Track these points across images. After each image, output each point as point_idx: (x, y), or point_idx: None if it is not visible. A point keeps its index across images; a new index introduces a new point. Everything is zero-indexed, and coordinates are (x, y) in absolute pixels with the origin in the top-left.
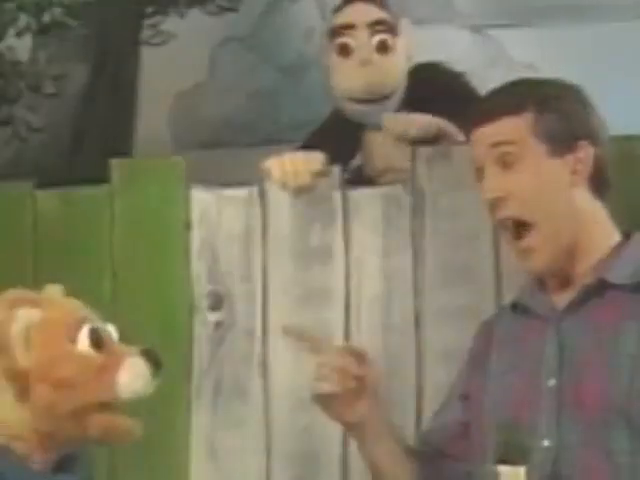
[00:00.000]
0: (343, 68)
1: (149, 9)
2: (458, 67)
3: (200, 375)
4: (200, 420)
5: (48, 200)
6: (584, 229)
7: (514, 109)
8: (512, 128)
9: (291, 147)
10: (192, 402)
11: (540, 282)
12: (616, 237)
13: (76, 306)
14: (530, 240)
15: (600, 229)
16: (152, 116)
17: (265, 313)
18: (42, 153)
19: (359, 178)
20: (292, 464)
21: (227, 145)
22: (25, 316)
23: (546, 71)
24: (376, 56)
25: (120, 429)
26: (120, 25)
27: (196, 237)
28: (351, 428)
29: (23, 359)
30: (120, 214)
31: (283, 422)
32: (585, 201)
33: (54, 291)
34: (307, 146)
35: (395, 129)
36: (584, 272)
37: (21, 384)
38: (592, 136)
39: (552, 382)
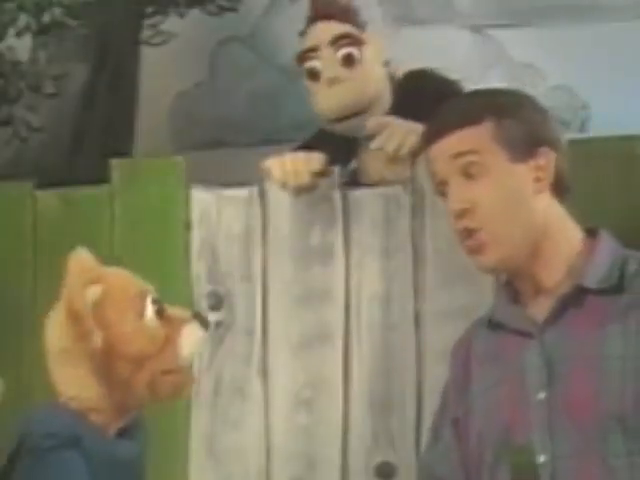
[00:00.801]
0: (315, 92)
1: (149, 9)
2: (458, 67)
3: (200, 375)
4: (200, 420)
5: (48, 200)
6: (549, 234)
7: (473, 119)
8: (473, 137)
9: (291, 147)
10: (192, 402)
11: (513, 295)
12: (579, 237)
13: (130, 276)
14: (481, 236)
15: (565, 233)
16: (152, 116)
17: (265, 313)
18: (42, 153)
19: (355, 182)
20: (292, 464)
21: (227, 145)
22: (94, 291)
23: (546, 71)
24: (343, 71)
25: (185, 386)
26: (120, 25)
27: (196, 237)
28: None
29: (98, 337)
30: (120, 214)
31: (283, 422)
32: (549, 207)
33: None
34: (302, 150)
35: (387, 148)
36: (556, 280)
37: (99, 360)
38: (552, 142)
39: (542, 395)
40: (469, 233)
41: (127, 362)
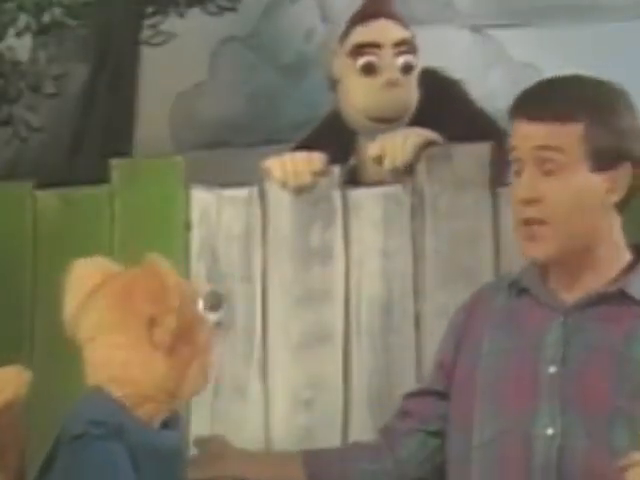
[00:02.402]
0: (366, 87)
1: (149, 9)
2: (458, 67)
3: None
4: (199, 420)
5: (48, 200)
6: (603, 242)
7: (567, 117)
8: (563, 135)
9: (291, 147)
10: (191, 402)
11: (543, 275)
12: (626, 251)
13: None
14: (542, 229)
15: (617, 244)
16: (152, 116)
17: (265, 313)
18: (42, 153)
19: (354, 179)
20: None
21: (227, 145)
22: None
23: (546, 71)
24: (401, 77)
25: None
26: (120, 25)
27: (196, 237)
28: None
29: (173, 324)
30: (120, 214)
31: (283, 422)
32: (610, 217)
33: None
34: (301, 148)
35: (398, 166)
36: (594, 280)
37: (171, 343)
38: (634, 157)
39: (553, 369)
40: (528, 222)
41: (189, 347)
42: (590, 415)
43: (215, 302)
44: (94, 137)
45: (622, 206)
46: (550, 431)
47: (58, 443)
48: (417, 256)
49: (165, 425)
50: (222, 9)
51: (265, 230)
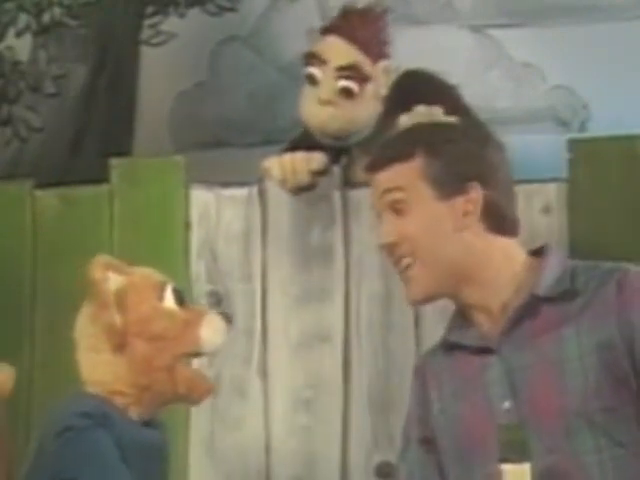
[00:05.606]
0: (307, 97)
1: (149, 9)
2: (458, 67)
3: None
4: (199, 420)
5: (48, 200)
6: (482, 265)
7: (404, 156)
8: (401, 174)
9: (281, 148)
10: None
11: (464, 317)
12: (521, 260)
13: (155, 272)
14: (413, 270)
15: (502, 260)
16: (152, 116)
17: (264, 313)
18: (42, 153)
19: (346, 179)
20: (292, 464)
21: (227, 145)
22: (117, 280)
23: (546, 71)
24: (338, 99)
25: (202, 385)
26: (120, 25)
27: (196, 237)
28: None
29: (118, 318)
30: (120, 214)
31: (283, 422)
32: (478, 238)
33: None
34: (292, 149)
35: None
36: (503, 300)
37: (118, 339)
38: (484, 177)
39: (507, 405)
40: (400, 267)
41: (145, 341)
42: (548, 432)
43: (215, 302)
44: (94, 137)
45: (503, 226)
46: None
47: (43, 441)
48: None
49: (147, 425)
50: (222, 9)
51: (265, 230)
